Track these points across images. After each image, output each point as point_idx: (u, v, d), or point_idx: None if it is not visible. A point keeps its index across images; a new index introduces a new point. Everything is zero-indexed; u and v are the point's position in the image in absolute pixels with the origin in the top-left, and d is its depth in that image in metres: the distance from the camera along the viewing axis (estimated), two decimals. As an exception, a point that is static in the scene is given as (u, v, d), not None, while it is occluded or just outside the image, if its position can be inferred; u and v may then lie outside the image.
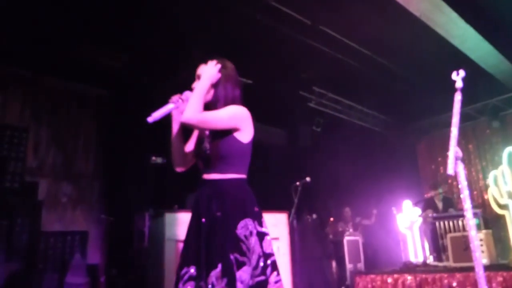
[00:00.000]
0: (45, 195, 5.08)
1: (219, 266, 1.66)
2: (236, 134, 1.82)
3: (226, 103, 1.84)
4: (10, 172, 4.85)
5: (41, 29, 4.25)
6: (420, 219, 6.11)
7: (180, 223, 3.41)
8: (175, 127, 1.95)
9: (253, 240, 1.72)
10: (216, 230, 1.73)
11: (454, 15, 4.42)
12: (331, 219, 7.24)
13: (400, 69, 5.87)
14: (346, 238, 6.37)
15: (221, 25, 4.39)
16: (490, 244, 4.63)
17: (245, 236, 1.71)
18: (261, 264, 1.70)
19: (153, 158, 3.89)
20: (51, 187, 5.17)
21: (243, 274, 1.66)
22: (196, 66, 1.99)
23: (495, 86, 6.27)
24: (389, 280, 4.53)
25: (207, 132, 1.93)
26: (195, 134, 2.01)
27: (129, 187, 5.08)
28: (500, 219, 5.62)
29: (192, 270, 1.72)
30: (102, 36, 4.51)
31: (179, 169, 1.99)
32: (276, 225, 4.04)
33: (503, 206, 5.41)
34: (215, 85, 1.88)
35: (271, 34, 4.65)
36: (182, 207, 3.89)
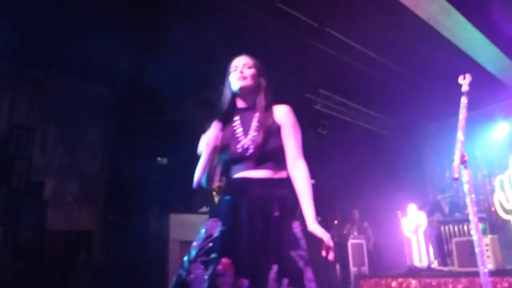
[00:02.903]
0: (51, 194, 5.12)
1: (275, 267, 1.58)
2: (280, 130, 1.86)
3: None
4: (17, 171, 4.90)
5: (50, 29, 4.29)
6: (425, 223, 6.08)
7: (184, 224, 3.43)
8: (209, 152, 1.83)
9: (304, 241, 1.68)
10: (273, 231, 1.65)
11: (462, 19, 4.40)
12: (336, 222, 7.22)
13: (407, 72, 5.85)
14: (351, 241, 6.35)
15: (227, 26, 4.40)
16: (496, 249, 4.59)
17: (300, 237, 1.68)
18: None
19: (159, 158, 3.91)
20: (57, 187, 5.21)
21: (310, 273, 1.61)
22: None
23: (503, 91, 6.23)
24: (394, 284, 4.51)
25: (256, 123, 1.87)
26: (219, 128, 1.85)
27: (134, 187, 5.10)
28: (507, 224, 5.57)
29: (246, 283, 1.58)
30: (111, 36, 4.54)
31: (207, 186, 1.89)
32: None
33: (509, 211, 5.38)
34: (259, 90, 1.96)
35: (277, 35, 4.65)
36: (187, 208, 3.91)
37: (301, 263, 1.60)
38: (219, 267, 1.60)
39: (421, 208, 6.27)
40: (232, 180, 1.83)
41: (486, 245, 4.45)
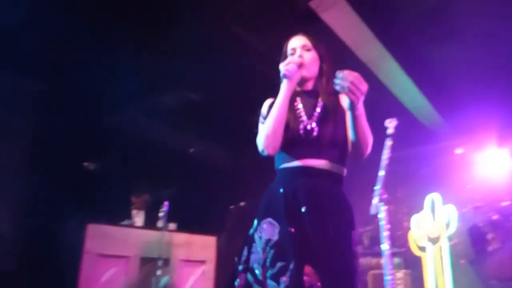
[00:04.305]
0: (-43, 187, 4.61)
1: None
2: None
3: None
4: None
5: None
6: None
7: (103, 236, 3.25)
8: (287, 97, 1.62)
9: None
10: (332, 233, 1.46)
11: (396, 66, 4.76)
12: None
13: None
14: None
15: (180, 38, 4.34)
16: (407, 284, 4.89)
17: (357, 255, 1.52)
18: None
19: (85, 163, 3.71)
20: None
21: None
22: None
23: (426, 136, 6.77)
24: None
25: (320, 107, 1.67)
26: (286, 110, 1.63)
27: (54, 191, 4.75)
28: (419, 260, 5.97)
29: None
30: (50, 26, 4.28)
31: (273, 152, 1.60)
32: (204, 248, 3.92)
33: (421, 248, 5.78)
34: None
35: (229, 58, 4.69)
36: (108, 220, 3.71)
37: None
38: (305, 277, 1.35)
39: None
40: (286, 169, 1.61)
41: (399, 279, 4.73)
